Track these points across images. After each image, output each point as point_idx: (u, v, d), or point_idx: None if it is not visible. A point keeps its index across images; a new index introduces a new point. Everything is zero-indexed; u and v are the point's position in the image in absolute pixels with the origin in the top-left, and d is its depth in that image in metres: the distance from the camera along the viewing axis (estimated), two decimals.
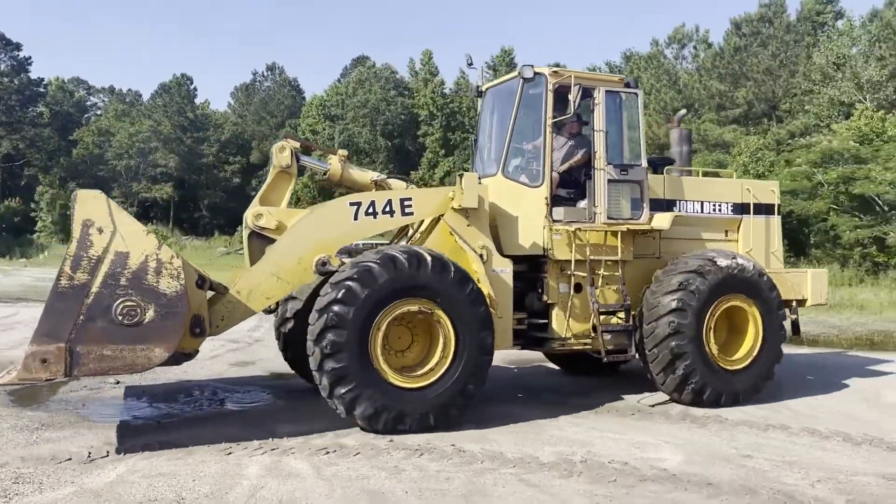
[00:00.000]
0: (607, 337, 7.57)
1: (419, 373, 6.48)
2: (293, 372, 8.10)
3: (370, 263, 6.25)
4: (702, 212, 8.47)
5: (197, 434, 6.15)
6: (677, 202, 8.27)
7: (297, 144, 7.40)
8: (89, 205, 5.55)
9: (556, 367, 9.79)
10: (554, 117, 7.64)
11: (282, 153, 7.22)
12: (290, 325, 7.83)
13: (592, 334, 7.63)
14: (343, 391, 6.09)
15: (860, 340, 13.49)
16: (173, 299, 5.62)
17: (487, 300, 6.77)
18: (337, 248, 6.77)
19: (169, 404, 7.43)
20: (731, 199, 8.71)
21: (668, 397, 7.73)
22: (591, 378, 9.07)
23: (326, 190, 8.54)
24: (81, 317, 5.36)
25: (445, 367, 6.47)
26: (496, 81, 8.79)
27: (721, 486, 5.04)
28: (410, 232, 7.85)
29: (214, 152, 63.97)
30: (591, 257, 7.58)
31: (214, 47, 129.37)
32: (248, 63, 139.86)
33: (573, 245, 7.56)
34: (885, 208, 25.50)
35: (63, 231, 48.13)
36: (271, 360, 9.75)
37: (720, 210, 8.63)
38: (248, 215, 6.94)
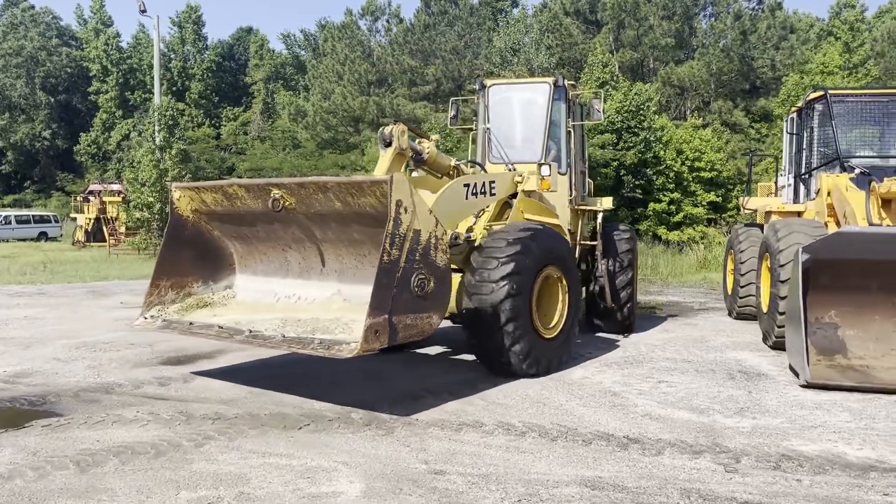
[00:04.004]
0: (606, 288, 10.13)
1: (549, 325, 7.76)
2: None
3: (525, 234, 7.38)
4: None
5: None
6: None
7: (406, 128, 7.90)
8: (400, 186, 5.86)
9: (214, 368, 8.13)
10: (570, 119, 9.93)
11: (403, 136, 7.70)
12: None
13: None
14: (512, 327, 7.05)
15: None
16: (444, 271, 6.29)
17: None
18: (456, 222, 7.71)
19: None
20: None
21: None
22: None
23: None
24: (395, 289, 5.78)
25: (564, 318, 7.93)
26: (509, 81, 10.95)
27: None
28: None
29: None
30: (600, 230, 10.17)
31: None
32: None
33: (578, 221, 10.11)
34: None
35: None
36: None
37: None
38: None
